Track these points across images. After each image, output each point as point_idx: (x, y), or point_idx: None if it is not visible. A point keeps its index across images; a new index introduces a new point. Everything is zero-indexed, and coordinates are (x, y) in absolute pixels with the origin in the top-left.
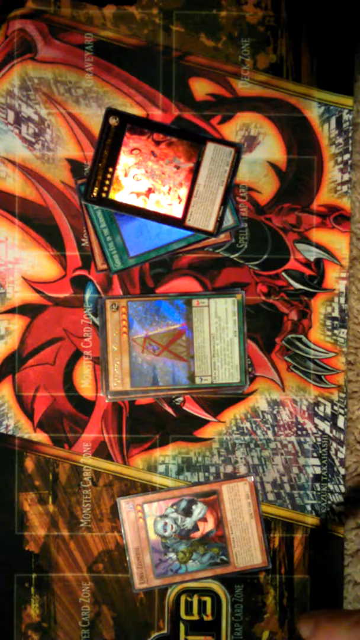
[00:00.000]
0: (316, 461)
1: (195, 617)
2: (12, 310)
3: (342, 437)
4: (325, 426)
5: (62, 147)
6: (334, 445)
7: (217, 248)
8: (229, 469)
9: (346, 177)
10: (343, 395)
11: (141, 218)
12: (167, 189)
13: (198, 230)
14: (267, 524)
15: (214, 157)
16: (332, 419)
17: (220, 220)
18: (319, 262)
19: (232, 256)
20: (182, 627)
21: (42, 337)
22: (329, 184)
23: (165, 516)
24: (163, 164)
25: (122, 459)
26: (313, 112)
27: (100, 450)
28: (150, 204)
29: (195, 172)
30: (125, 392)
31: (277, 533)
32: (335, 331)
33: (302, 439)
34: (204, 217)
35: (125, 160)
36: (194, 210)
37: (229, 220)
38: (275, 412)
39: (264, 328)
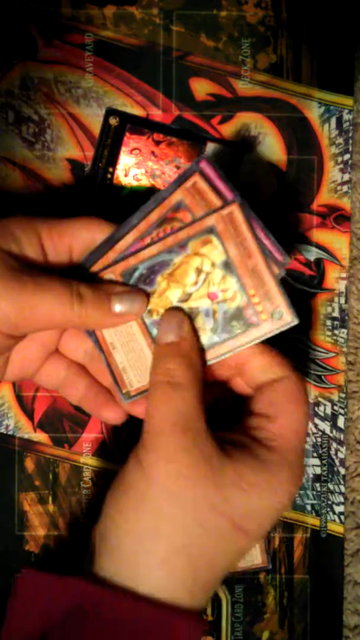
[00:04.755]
0: (316, 461)
1: None
2: None
3: (342, 437)
4: (325, 426)
5: (62, 147)
6: (334, 445)
7: None
8: None
9: (346, 177)
10: (343, 395)
11: None
12: None
13: None
14: None
15: (214, 157)
16: (332, 419)
17: None
18: (319, 262)
19: None
20: None
21: None
22: (329, 184)
23: None
24: (163, 164)
25: (122, 459)
26: (313, 112)
27: (100, 450)
28: None
29: None
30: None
31: (277, 533)
32: (335, 331)
33: None
34: None
35: (125, 160)
36: None
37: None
38: None
39: None
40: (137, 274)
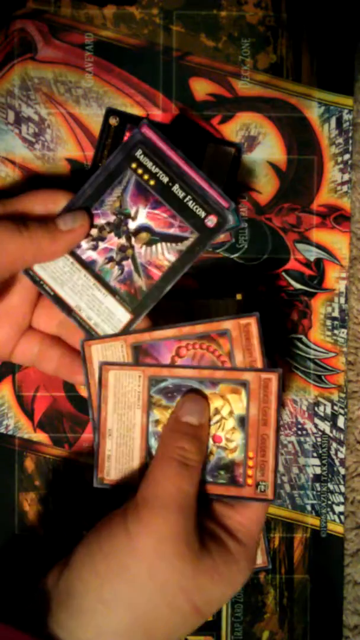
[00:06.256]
0: (316, 461)
1: None
2: None
3: (342, 437)
4: (325, 426)
5: (62, 147)
6: (334, 445)
7: (217, 248)
8: None
9: (346, 177)
10: (343, 395)
11: None
12: None
13: None
14: (267, 524)
15: (215, 157)
16: (332, 419)
17: None
18: (319, 262)
19: (232, 256)
20: None
21: None
22: (329, 184)
23: None
24: None
25: None
26: (313, 112)
27: None
28: None
29: None
30: None
31: (277, 533)
32: (335, 331)
33: (302, 439)
34: None
35: None
36: None
37: (230, 220)
38: None
39: (264, 328)
40: (163, 384)
